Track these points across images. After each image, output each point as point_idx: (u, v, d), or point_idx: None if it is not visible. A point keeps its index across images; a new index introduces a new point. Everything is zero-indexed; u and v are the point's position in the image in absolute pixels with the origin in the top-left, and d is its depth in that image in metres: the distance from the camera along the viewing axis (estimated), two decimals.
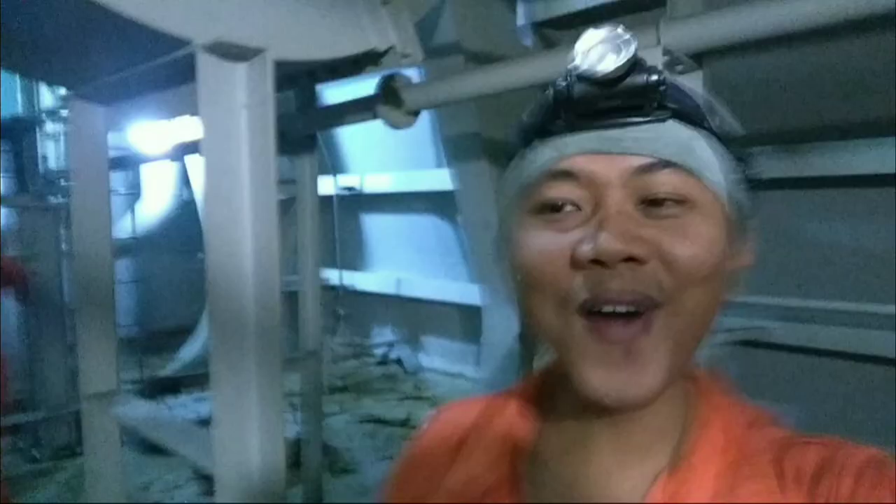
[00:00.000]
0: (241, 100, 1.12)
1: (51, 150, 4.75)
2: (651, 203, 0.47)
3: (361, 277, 6.12)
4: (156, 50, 1.22)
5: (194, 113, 1.19)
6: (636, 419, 0.50)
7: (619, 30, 0.46)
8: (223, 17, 1.12)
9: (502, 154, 0.58)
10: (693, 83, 0.77)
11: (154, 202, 5.77)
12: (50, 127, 4.79)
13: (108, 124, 1.79)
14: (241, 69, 1.14)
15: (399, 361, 6.19)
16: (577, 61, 0.47)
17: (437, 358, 5.90)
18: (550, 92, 0.49)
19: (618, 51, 0.46)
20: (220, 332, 1.18)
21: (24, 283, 3.73)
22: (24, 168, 4.40)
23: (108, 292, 1.75)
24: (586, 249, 0.45)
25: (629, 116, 0.47)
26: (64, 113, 4.80)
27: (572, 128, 0.49)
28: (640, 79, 0.46)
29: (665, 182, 0.47)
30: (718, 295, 0.48)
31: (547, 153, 0.50)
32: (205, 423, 4.64)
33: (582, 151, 0.48)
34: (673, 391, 0.50)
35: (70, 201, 1.74)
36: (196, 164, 6.05)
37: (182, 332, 6.52)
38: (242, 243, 1.22)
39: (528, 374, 0.61)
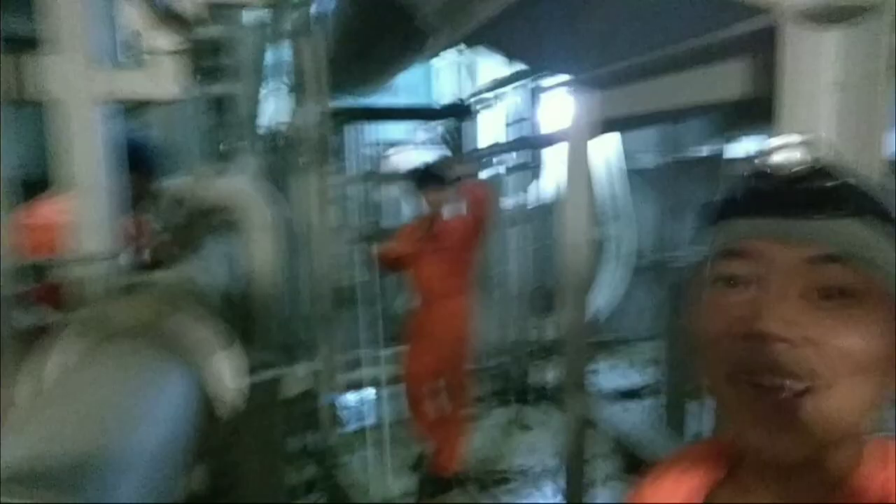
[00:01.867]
0: (830, 77, 0.99)
1: (483, 129, 5.36)
2: (818, 292, 0.51)
3: None
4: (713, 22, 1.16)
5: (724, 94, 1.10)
6: (799, 484, 0.55)
7: (807, 135, 0.53)
8: None
9: None
10: None
11: (552, 175, 6.18)
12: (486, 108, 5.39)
13: (604, 110, 1.84)
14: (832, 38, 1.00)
15: None
16: (764, 159, 0.53)
17: None
18: (740, 178, 0.56)
19: (800, 155, 0.52)
20: None
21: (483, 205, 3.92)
22: (456, 145, 5.07)
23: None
24: (748, 326, 0.51)
25: (808, 211, 0.51)
26: (490, 95, 5.37)
27: (755, 214, 0.54)
28: (822, 180, 0.52)
29: (834, 275, 0.51)
30: (881, 382, 0.51)
31: (730, 233, 0.55)
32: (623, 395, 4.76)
33: (760, 236, 0.53)
34: (835, 462, 0.54)
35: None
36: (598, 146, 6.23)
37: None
38: None
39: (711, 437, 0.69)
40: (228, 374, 1.19)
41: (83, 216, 1.44)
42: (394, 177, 5.80)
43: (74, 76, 1.37)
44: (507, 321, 5.24)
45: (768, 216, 0.53)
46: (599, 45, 1.62)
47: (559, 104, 5.94)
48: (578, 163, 1.81)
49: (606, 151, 6.24)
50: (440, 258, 3.76)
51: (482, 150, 5.06)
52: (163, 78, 1.41)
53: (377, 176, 6.18)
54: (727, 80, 1.18)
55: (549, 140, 4.42)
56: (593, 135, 1.84)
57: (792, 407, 0.50)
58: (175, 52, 1.15)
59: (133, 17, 1.06)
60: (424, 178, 3.79)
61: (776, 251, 0.52)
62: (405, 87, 7.75)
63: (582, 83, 1.82)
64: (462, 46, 4.60)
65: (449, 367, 3.80)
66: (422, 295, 3.88)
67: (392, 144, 7.31)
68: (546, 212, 5.46)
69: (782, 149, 0.53)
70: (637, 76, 1.63)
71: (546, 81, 4.78)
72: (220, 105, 4.41)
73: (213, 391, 1.17)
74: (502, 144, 5.11)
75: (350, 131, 5.44)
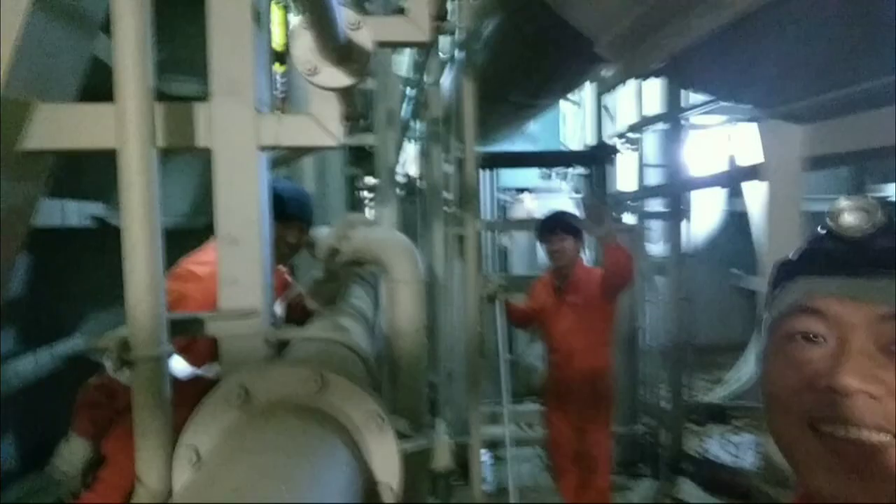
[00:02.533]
0: None
1: (616, 174, 5.07)
2: (894, 346, 0.53)
3: None
4: None
5: None
6: None
7: (871, 197, 0.56)
8: None
9: None
10: None
11: (701, 218, 5.73)
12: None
13: (804, 145, 1.58)
14: None
15: None
16: (834, 220, 0.57)
17: None
18: (811, 239, 0.60)
19: (869, 216, 0.55)
20: None
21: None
22: (595, 190, 4.81)
23: None
24: (827, 379, 0.53)
25: (877, 270, 0.54)
26: (627, 137, 5.09)
27: (826, 272, 0.57)
28: (888, 241, 0.55)
29: None
30: None
31: (802, 291, 0.58)
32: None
33: (832, 294, 0.56)
34: None
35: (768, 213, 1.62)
36: (753, 187, 5.73)
37: (719, 350, 6.29)
38: None
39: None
40: (392, 455, 1.02)
41: (240, 268, 1.37)
42: (522, 225, 5.62)
43: (240, 123, 1.32)
44: (656, 380, 4.81)
45: (838, 275, 0.55)
46: (809, 74, 1.37)
47: (711, 143, 5.54)
48: (783, 204, 1.53)
49: (759, 194, 5.71)
50: (572, 313, 3.47)
51: (625, 194, 4.77)
52: (326, 124, 1.32)
53: (507, 223, 6.04)
54: None
55: (733, 177, 4.02)
56: (798, 173, 1.55)
57: (872, 458, 0.51)
58: (346, 90, 1.05)
59: (307, 52, 0.97)
60: (545, 227, 3.53)
61: (848, 309, 0.54)
62: (533, 134, 7.65)
63: (783, 116, 1.55)
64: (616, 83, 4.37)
65: (590, 429, 3.47)
66: (555, 352, 3.61)
67: (524, 190, 7.19)
68: (698, 259, 5.06)
69: (852, 210, 0.55)
70: (857, 107, 1.36)
71: (697, 120, 4.46)
72: (360, 153, 4.48)
73: (377, 474, 1.01)
74: (650, 188, 4.78)
75: (484, 178, 5.34)
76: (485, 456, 4.00)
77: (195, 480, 0.84)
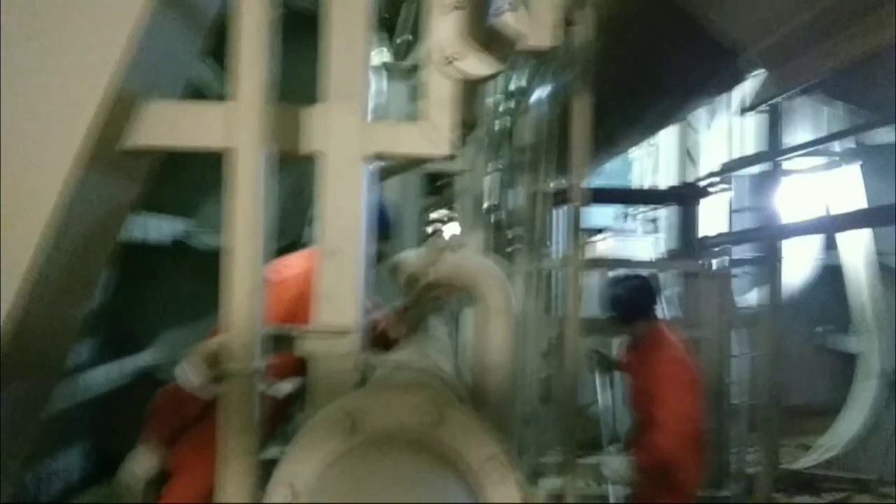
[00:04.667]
0: None
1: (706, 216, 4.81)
2: None
3: None
4: None
5: None
6: None
7: None
8: None
9: None
10: None
11: (793, 268, 5.37)
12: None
13: None
14: None
15: None
16: None
17: None
18: None
19: None
20: None
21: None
22: (687, 233, 4.53)
23: None
24: None
25: None
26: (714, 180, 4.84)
27: None
28: None
29: None
30: None
31: None
32: None
33: None
34: None
35: None
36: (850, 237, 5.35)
37: (806, 414, 5.82)
38: None
39: None
40: (511, 497, 0.88)
41: (337, 283, 1.27)
42: (599, 268, 5.33)
43: (349, 129, 1.24)
44: (742, 443, 4.43)
45: None
46: None
47: (805, 188, 5.22)
48: None
49: (857, 247, 5.32)
50: (633, 377, 3.21)
51: (713, 238, 4.49)
52: (441, 131, 1.22)
53: (583, 262, 5.80)
54: None
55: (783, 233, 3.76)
56: None
57: None
58: (466, 92, 0.95)
59: (453, 37, 0.87)
60: (612, 315, 3.24)
61: None
62: (603, 172, 7.44)
63: None
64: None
65: (650, 494, 3.16)
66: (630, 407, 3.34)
67: (599, 230, 6.97)
68: (785, 314, 4.71)
69: None
70: None
71: (792, 164, 4.20)
72: (435, 181, 4.38)
73: None
74: (743, 232, 4.49)
75: (558, 214, 5.17)
76: None
77: None
